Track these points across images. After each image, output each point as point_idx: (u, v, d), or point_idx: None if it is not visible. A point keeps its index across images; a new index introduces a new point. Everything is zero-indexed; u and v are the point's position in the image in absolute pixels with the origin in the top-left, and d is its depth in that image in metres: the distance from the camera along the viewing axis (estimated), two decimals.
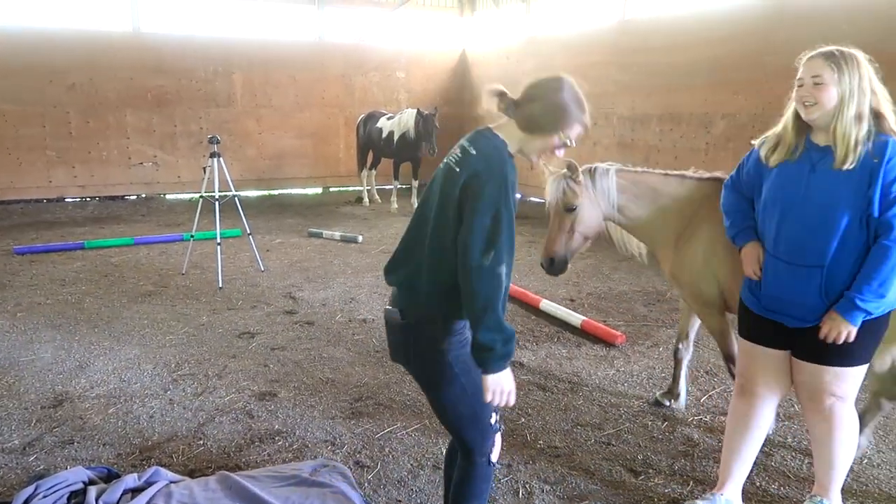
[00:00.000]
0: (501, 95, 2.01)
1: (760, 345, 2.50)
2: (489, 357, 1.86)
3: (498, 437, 2.16)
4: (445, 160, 2.04)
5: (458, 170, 1.94)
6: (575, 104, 1.98)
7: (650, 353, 4.47)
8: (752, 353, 2.54)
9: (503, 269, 1.87)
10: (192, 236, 6.68)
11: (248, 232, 6.69)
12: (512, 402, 1.95)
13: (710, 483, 2.88)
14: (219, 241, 6.26)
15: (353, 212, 10.51)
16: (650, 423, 3.48)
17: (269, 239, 8.13)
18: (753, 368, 2.54)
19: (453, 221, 1.92)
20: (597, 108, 8.29)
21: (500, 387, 1.90)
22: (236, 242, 7.76)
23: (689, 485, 2.92)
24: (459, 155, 1.98)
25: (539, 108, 1.96)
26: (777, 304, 2.40)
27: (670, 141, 8.57)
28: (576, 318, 4.91)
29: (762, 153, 2.46)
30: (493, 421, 2.10)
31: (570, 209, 3.27)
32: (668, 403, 3.63)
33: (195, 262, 6.80)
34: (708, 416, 3.55)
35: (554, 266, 3.34)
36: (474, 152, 1.95)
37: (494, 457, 2.14)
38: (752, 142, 2.57)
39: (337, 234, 8.22)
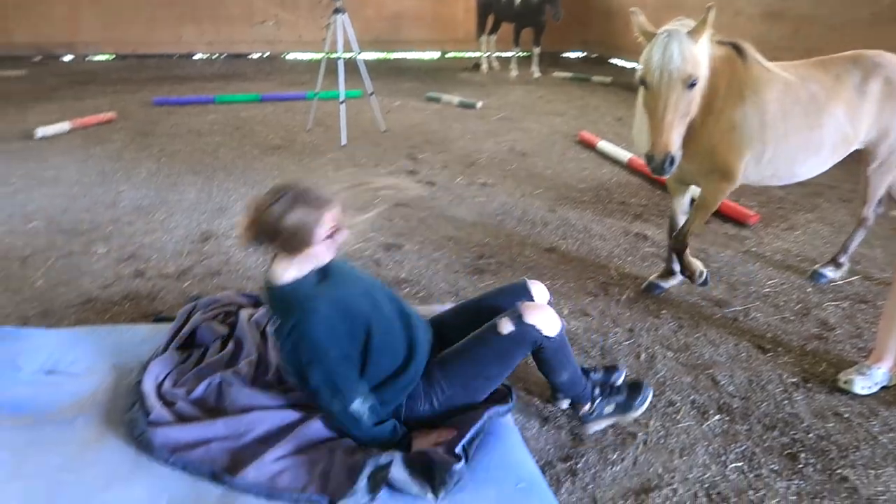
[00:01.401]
0: (247, 230, 1.92)
1: None
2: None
3: (544, 311, 2.12)
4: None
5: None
6: (306, 213, 1.87)
7: (785, 235, 4.23)
8: None
9: (357, 405, 1.87)
10: (315, 95, 6.78)
11: (371, 92, 6.70)
12: None
13: (845, 366, 2.78)
14: (342, 100, 6.32)
15: (470, 78, 10.27)
16: (782, 304, 3.35)
17: (388, 101, 8.13)
18: None
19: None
20: None
21: None
22: (357, 103, 7.81)
23: (821, 366, 2.83)
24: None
25: (283, 240, 1.89)
26: None
27: (827, 8, 7.62)
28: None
29: None
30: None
31: (693, 84, 2.57)
32: (829, 275, 3.55)
33: (319, 120, 6.94)
34: (846, 303, 3.36)
35: (673, 165, 2.64)
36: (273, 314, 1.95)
37: (547, 330, 2.10)
38: None
39: (455, 100, 8.11)
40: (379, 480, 1.75)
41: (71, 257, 3.76)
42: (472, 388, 2.09)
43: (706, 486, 2.17)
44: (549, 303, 2.33)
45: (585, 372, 2.43)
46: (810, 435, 2.41)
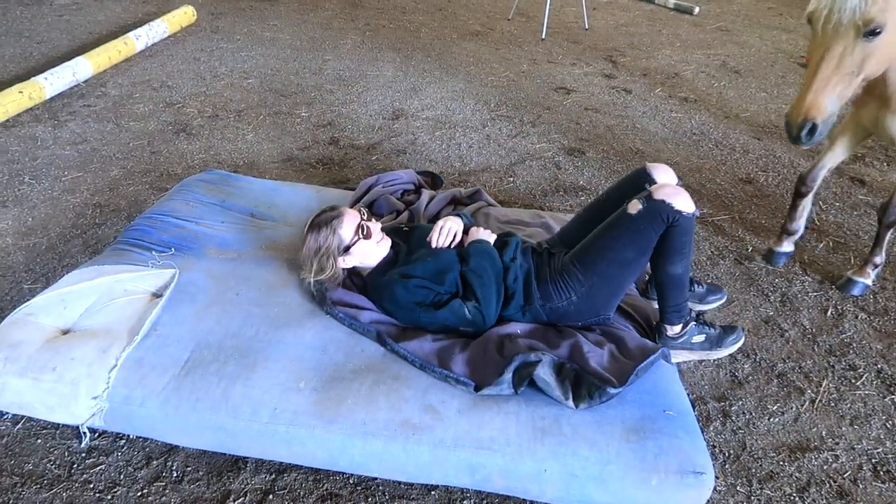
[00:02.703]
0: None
1: None
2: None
3: (675, 188, 1.94)
4: None
5: None
6: (316, 237, 2.05)
7: None
8: None
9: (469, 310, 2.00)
10: None
11: None
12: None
13: None
14: None
15: None
16: None
17: None
18: None
19: None
20: None
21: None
22: None
23: None
24: None
25: (321, 260, 2.07)
26: None
27: None
28: None
29: None
30: None
31: (872, 32, 1.95)
32: None
33: (522, 9, 6.73)
34: None
35: (815, 136, 2.08)
36: None
37: (679, 205, 1.91)
38: None
39: (670, 2, 7.44)
40: (524, 376, 1.79)
41: (277, 116, 4.07)
42: (609, 276, 2.00)
43: (874, 460, 2.00)
44: (678, 184, 2.11)
45: (690, 281, 2.26)
46: None
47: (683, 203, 1.91)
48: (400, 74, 4.90)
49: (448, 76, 4.92)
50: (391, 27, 6.07)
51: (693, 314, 2.18)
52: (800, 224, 2.87)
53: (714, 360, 2.22)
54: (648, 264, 2.04)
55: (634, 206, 1.94)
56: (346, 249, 2.07)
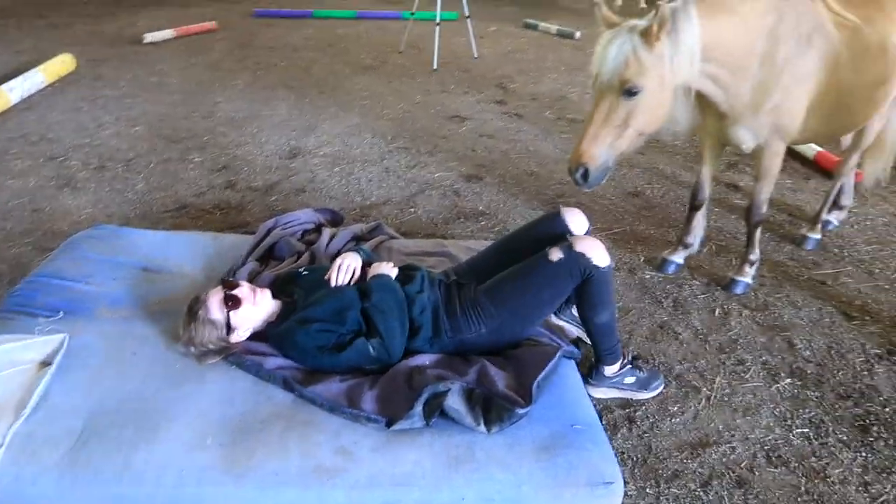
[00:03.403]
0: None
1: None
2: None
3: (594, 242, 2.07)
4: None
5: None
6: (194, 328, 1.98)
7: (892, 198, 3.94)
8: None
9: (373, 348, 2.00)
10: (412, 14, 6.68)
11: (467, 15, 6.54)
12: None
13: None
14: (438, 21, 6.21)
15: (573, 4, 9.81)
16: (877, 271, 3.16)
17: (483, 26, 7.91)
18: None
19: None
20: None
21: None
22: (451, 26, 7.64)
23: None
24: None
25: (209, 339, 1.99)
26: None
27: None
28: (809, 149, 4.40)
29: None
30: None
31: (631, 92, 2.18)
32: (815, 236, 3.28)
33: (412, 42, 6.87)
34: None
35: (589, 180, 2.26)
36: None
37: (597, 259, 2.04)
38: None
39: (553, 28, 7.81)
40: (434, 407, 1.81)
41: (169, 163, 3.96)
42: (520, 315, 2.10)
43: (767, 447, 2.15)
44: (588, 230, 2.28)
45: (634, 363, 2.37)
46: (887, 409, 2.32)
47: (600, 257, 2.04)
48: (294, 112, 4.89)
49: (343, 111, 4.95)
50: (283, 65, 6.05)
51: (630, 356, 2.31)
52: (695, 238, 3.07)
53: (636, 400, 2.33)
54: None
55: (555, 254, 2.04)
56: (229, 328, 2.01)
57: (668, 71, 2.16)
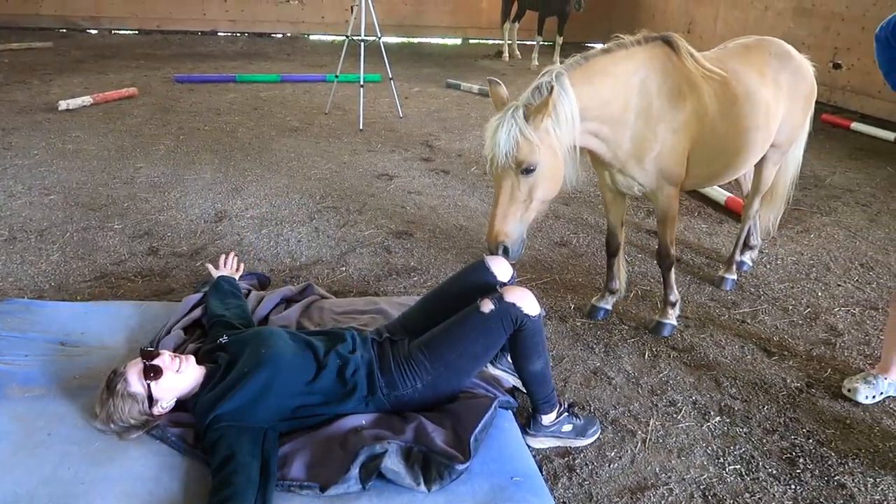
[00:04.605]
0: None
1: None
2: None
3: (524, 292, 2.12)
4: None
5: None
6: (114, 403, 1.91)
7: (799, 238, 4.19)
8: None
9: None
10: (336, 77, 6.79)
11: (391, 77, 6.69)
12: None
13: (851, 373, 2.76)
14: (362, 83, 6.32)
15: (491, 66, 10.22)
16: (791, 307, 3.33)
17: (407, 87, 8.12)
18: None
19: None
20: None
21: None
22: (376, 88, 7.81)
23: (826, 371, 2.81)
24: None
25: (130, 411, 1.92)
26: None
27: (860, 7, 7.47)
28: (720, 195, 4.66)
29: None
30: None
31: (528, 171, 2.30)
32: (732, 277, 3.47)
33: (337, 104, 6.96)
34: (857, 309, 3.34)
35: (510, 255, 2.38)
36: None
37: (528, 309, 2.09)
38: None
39: (475, 88, 8.08)
40: (372, 470, 1.77)
41: (87, 232, 3.81)
42: (456, 367, 2.10)
43: (702, 487, 2.18)
44: (513, 277, 2.35)
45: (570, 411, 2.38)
46: (810, 440, 2.41)
47: (531, 306, 2.09)
48: (219, 176, 4.82)
49: (270, 173, 4.92)
50: (206, 129, 5.99)
51: (566, 404, 2.32)
52: (619, 283, 3.17)
53: (574, 448, 2.33)
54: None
55: (487, 306, 2.06)
56: (151, 401, 1.93)
57: (555, 141, 2.31)
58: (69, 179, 4.59)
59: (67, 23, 11.01)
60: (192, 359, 2.04)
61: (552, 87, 2.27)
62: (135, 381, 1.91)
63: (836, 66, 7.75)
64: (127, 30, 11.32)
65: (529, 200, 2.35)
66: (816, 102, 3.32)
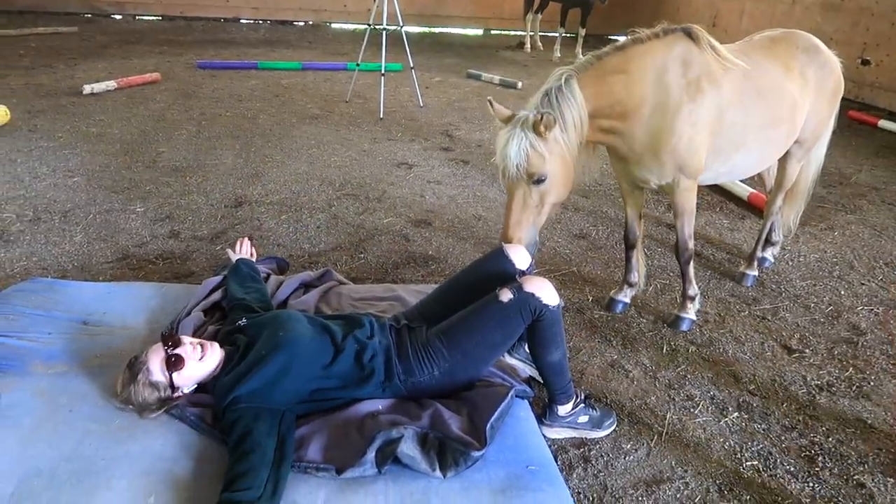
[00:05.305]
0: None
1: None
2: None
3: (543, 282, 2.11)
4: None
5: None
6: (135, 386, 1.92)
7: (823, 235, 4.14)
8: None
9: None
10: (357, 66, 6.78)
11: (412, 66, 6.68)
12: None
13: (873, 372, 2.73)
14: (383, 72, 6.32)
15: (513, 57, 10.16)
16: (813, 305, 3.29)
17: (428, 76, 8.10)
18: None
19: None
20: None
21: None
22: (397, 77, 7.80)
23: (847, 370, 2.78)
24: None
25: (147, 398, 1.92)
26: None
27: (890, 3, 7.33)
28: (742, 190, 4.60)
29: None
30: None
31: (539, 181, 2.36)
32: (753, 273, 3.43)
33: (358, 92, 6.96)
34: (881, 308, 3.29)
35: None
36: None
37: (546, 299, 2.08)
38: None
39: (496, 78, 8.04)
40: (388, 454, 1.78)
41: (109, 214, 3.86)
42: (473, 356, 2.09)
43: (719, 482, 2.17)
44: (531, 266, 2.33)
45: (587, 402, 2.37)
46: (830, 439, 2.38)
47: (550, 296, 2.07)
48: (240, 161, 4.85)
49: (290, 160, 4.94)
50: (228, 115, 6.02)
51: (582, 395, 2.31)
52: (638, 276, 3.14)
53: (590, 439, 2.32)
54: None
55: (505, 295, 2.05)
56: (172, 388, 1.94)
57: (564, 148, 2.35)
58: (93, 162, 4.64)
59: (93, 8, 11.11)
60: (216, 345, 2.04)
61: (557, 92, 2.34)
62: (157, 370, 1.92)
63: (865, 63, 7.62)
64: (151, 16, 11.41)
65: (541, 206, 2.42)
66: (843, 99, 3.26)
